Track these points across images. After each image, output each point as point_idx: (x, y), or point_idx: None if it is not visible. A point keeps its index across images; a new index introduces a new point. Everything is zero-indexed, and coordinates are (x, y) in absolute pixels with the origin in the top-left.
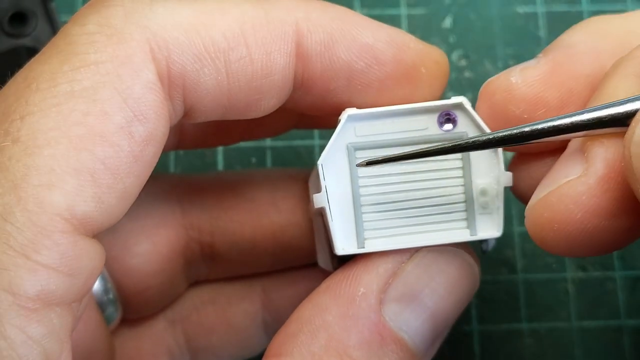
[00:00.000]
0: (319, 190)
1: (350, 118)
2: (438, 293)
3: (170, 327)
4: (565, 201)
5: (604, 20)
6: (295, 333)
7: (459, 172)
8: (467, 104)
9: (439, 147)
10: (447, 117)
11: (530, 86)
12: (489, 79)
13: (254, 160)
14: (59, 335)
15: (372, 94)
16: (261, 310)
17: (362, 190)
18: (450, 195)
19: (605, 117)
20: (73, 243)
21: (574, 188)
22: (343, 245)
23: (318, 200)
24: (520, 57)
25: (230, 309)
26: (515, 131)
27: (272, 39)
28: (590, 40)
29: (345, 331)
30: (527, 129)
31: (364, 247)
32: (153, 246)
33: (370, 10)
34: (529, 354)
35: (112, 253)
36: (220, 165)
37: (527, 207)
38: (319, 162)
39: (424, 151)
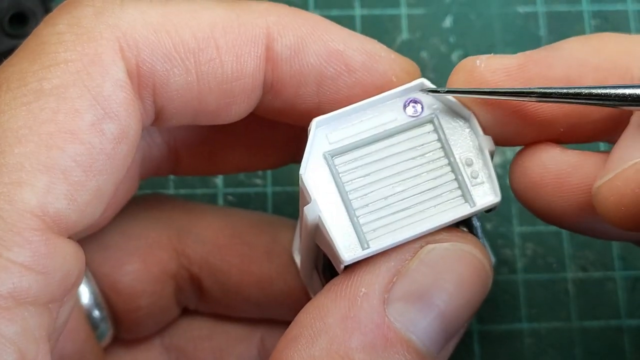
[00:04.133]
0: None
1: (319, 124)
2: (446, 291)
3: (165, 354)
4: (632, 185)
5: (605, 37)
6: (295, 337)
7: (440, 151)
8: (428, 83)
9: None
10: (411, 103)
11: (492, 73)
12: (468, 57)
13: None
14: (34, 335)
15: (341, 102)
16: (256, 358)
17: (351, 195)
18: (438, 175)
19: None
20: (45, 241)
21: (639, 172)
22: (348, 251)
23: (310, 211)
24: None
25: (226, 349)
26: (584, 91)
27: (242, 41)
28: (580, 50)
29: (346, 334)
30: (590, 91)
31: (369, 247)
32: (144, 266)
33: (370, 10)
34: (529, 354)
35: (103, 270)
36: (221, 179)
37: (593, 188)
38: (300, 172)
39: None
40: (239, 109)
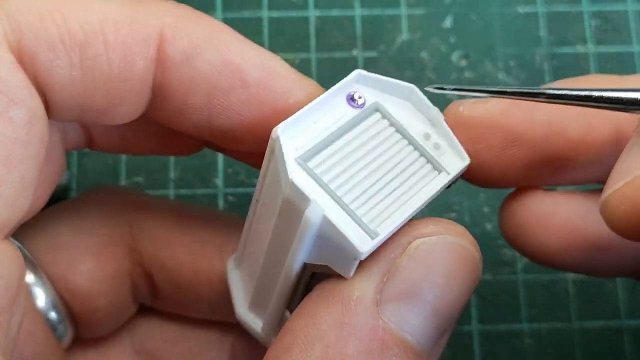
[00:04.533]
0: (284, 234)
1: (283, 132)
2: (438, 285)
3: (136, 357)
4: None
5: (593, 80)
6: (288, 346)
7: (397, 134)
8: (365, 73)
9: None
10: (352, 96)
11: (474, 119)
12: (453, 102)
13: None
14: None
15: (232, 117)
16: (229, 359)
17: (338, 192)
18: (405, 156)
19: None
20: None
21: None
22: (362, 244)
23: (313, 213)
24: (520, 57)
25: (198, 354)
26: (594, 93)
27: (133, 40)
28: None
29: (342, 340)
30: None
31: (378, 235)
32: (98, 264)
33: (370, 10)
34: (529, 354)
35: (56, 271)
36: (221, 166)
37: (601, 198)
38: (290, 183)
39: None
40: (127, 110)
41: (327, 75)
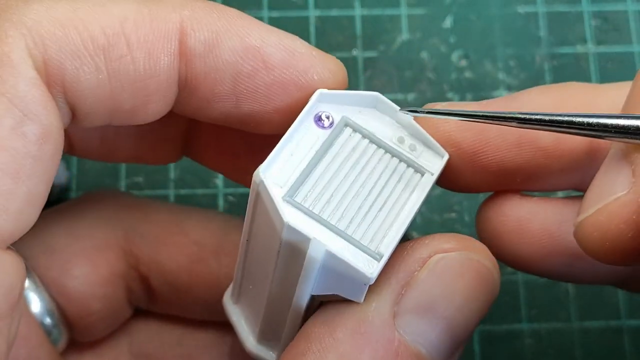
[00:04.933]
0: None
1: (265, 173)
2: (455, 302)
3: None
4: (615, 221)
5: (568, 88)
6: (303, 352)
7: (372, 145)
8: (327, 91)
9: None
10: (320, 116)
11: (444, 123)
12: (425, 104)
13: None
14: None
15: (259, 100)
16: None
17: (332, 220)
18: (385, 165)
19: None
20: None
21: (623, 207)
22: (369, 269)
23: (315, 250)
24: (520, 57)
25: (197, 356)
26: (564, 118)
27: (154, 37)
28: (538, 103)
29: (357, 350)
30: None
31: (382, 255)
32: (93, 268)
33: (370, 10)
34: (529, 354)
35: (50, 275)
36: (222, 179)
37: (575, 222)
38: (286, 226)
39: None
40: (156, 108)
41: None
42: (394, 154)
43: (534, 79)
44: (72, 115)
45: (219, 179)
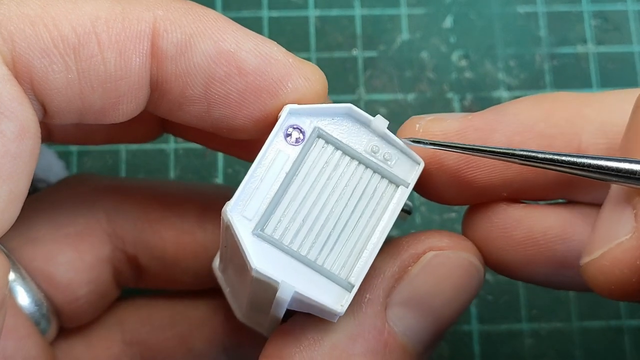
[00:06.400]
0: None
1: (233, 211)
2: (444, 297)
3: (128, 350)
4: (619, 266)
5: (558, 98)
6: (298, 337)
7: (345, 157)
8: (295, 106)
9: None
10: (290, 131)
11: (430, 137)
12: (412, 117)
13: None
14: None
15: (231, 106)
16: (222, 336)
17: (302, 251)
18: (359, 177)
19: None
20: None
21: (626, 252)
22: (338, 303)
23: (284, 293)
24: (521, 57)
25: (190, 335)
26: (559, 157)
27: (126, 37)
28: (528, 115)
29: (350, 339)
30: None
31: (354, 286)
32: (77, 254)
33: (370, 10)
34: (529, 354)
35: (35, 264)
36: (221, 165)
37: (581, 264)
38: (254, 271)
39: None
40: (127, 109)
41: (327, 75)
42: (368, 165)
43: (534, 79)
44: (43, 111)
45: (219, 179)
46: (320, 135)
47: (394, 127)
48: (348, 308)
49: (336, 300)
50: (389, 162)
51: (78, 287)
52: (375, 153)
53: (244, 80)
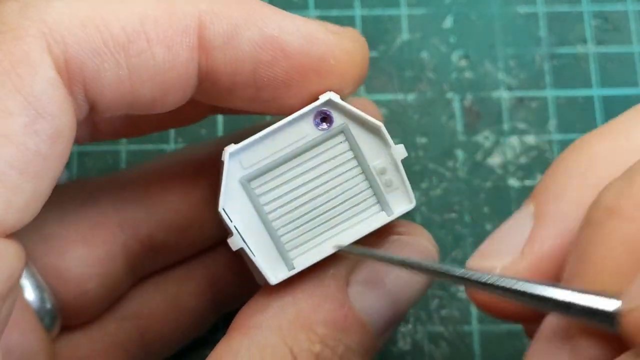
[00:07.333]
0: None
1: (232, 155)
2: (401, 279)
3: (122, 326)
4: None
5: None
6: (264, 307)
7: (353, 161)
8: (336, 98)
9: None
10: (322, 116)
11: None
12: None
13: None
14: None
15: (279, 88)
16: (208, 288)
17: (270, 216)
18: (354, 184)
19: (593, 309)
20: None
21: None
22: (274, 274)
23: (234, 243)
24: (521, 57)
25: (179, 295)
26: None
27: (173, 32)
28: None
29: (313, 308)
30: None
31: (294, 268)
32: (88, 249)
33: (370, 10)
34: None
35: (46, 260)
36: None
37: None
38: (219, 208)
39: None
40: (174, 99)
41: None
42: (368, 178)
43: (534, 79)
44: (89, 109)
45: None
46: (344, 131)
47: (393, 127)
48: (313, 280)
49: (274, 272)
50: (387, 188)
51: (88, 280)
52: (380, 174)
53: (289, 62)
